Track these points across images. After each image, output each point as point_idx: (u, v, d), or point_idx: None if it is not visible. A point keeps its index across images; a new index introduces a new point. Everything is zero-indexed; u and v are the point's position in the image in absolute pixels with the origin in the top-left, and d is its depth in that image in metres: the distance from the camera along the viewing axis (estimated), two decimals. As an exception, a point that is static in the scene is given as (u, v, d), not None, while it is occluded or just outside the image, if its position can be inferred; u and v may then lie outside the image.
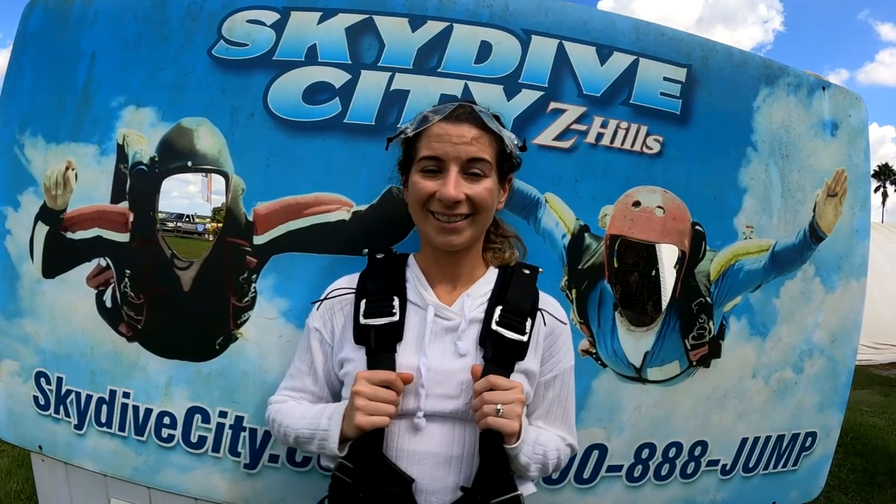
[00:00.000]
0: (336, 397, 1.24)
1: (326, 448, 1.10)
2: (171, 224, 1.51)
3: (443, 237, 1.13)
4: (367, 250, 1.26)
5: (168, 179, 1.48)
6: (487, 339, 1.13)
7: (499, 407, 1.03)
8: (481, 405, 1.05)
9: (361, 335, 1.15)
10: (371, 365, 1.11)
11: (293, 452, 1.47)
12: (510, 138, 1.18)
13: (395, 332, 1.14)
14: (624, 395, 1.55)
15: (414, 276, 1.20)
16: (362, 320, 1.15)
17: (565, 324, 1.24)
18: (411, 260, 1.24)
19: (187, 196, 1.53)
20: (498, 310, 1.16)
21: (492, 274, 1.24)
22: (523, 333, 1.15)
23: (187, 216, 1.57)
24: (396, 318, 1.14)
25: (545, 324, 1.20)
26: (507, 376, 1.11)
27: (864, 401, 5.98)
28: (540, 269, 1.26)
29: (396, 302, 1.16)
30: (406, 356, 1.13)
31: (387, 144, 1.24)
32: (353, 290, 1.21)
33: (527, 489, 1.18)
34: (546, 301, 1.23)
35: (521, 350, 1.14)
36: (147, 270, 1.49)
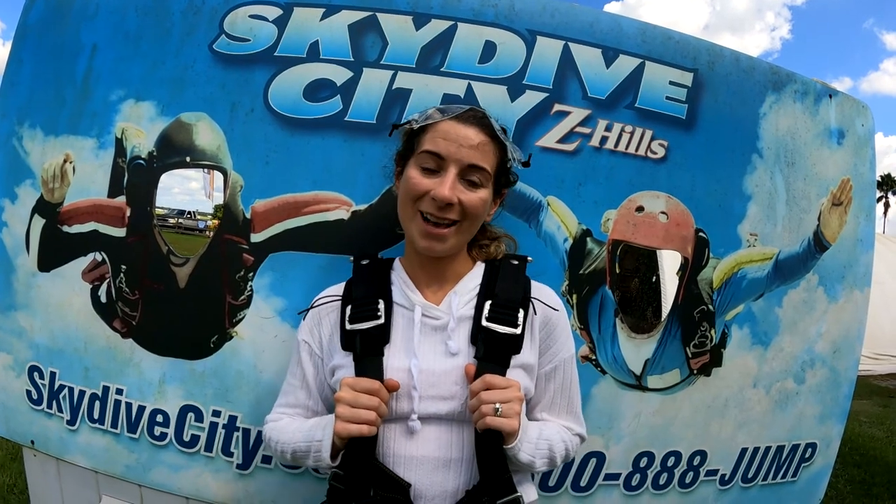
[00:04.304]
0: (331, 409, 1.21)
1: (321, 459, 1.08)
2: (172, 220, 1.49)
3: (426, 242, 1.11)
4: (352, 258, 1.24)
5: (169, 175, 1.47)
6: (478, 336, 1.11)
7: (497, 406, 1.01)
8: (479, 405, 1.03)
9: (348, 341, 1.13)
10: (359, 370, 1.09)
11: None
12: (514, 151, 1.17)
13: (381, 336, 1.12)
14: (623, 402, 1.53)
15: (399, 279, 1.19)
16: (348, 326, 1.14)
17: (559, 310, 1.21)
18: (396, 263, 1.23)
19: (188, 192, 1.51)
20: (487, 305, 1.13)
21: (479, 269, 1.21)
22: (516, 326, 1.12)
23: (188, 212, 1.56)
24: (382, 320, 1.12)
25: (536, 313, 1.17)
26: (503, 373, 1.08)
27: (863, 411, 5.96)
28: (529, 259, 1.23)
29: (381, 305, 1.14)
30: (395, 358, 1.11)
31: (391, 131, 1.22)
32: (339, 298, 1.19)
33: (528, 494, 1.16)
34: (538, 289, 1.21)
35: (515, 343, 1.12)
36: (143, 266, 1.47)
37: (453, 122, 1.10)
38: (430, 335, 1.13)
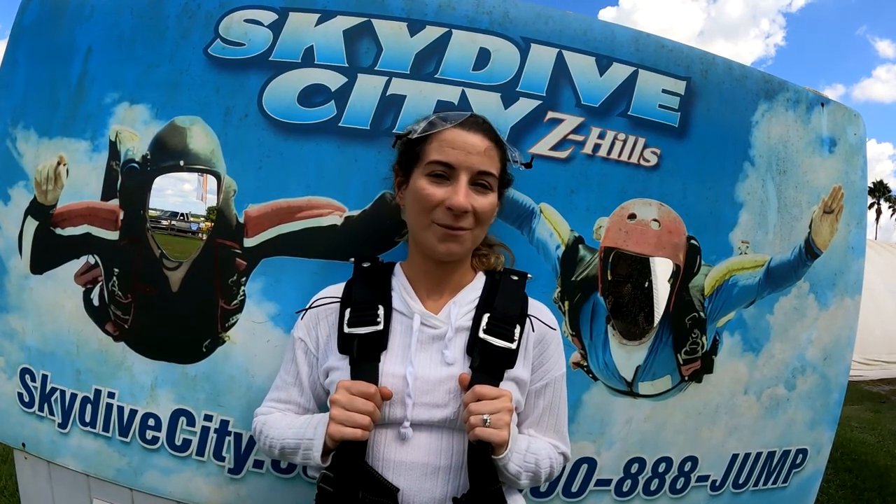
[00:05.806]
0: (323, 408, 1.22)
1: (311, 458, 1.08)
2: (164, 222, 1.49)
3: (445, 245, 1.11)
4: (353, 259, 1.24)
5: (162, 177, 1.47)
6: (475, 347, 1.12)
7: (486, 417, 1.02)
8: (469, 416, 1.03)
9: (345, 344, 1.14)
10: (354, 374, 1.10)
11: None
12: (513, 153, 1.19)
13: (378, 342, 1.12)
14: (614, 408, 1.53)
15: (400, 285, 1.19)
16: (346, 329, 1.14)
17: (555, 329, 1.22)
18: (398, 269, 1.23)
19: (181, 194, 1.51)
20: (485, 317, 1.14)
21: (479, 281, 1.22)
22: (511, 341, 1.13)
23: (181, 214, 1.56)
24: (381, 327, 1.13)
25: (534, 330, 1.18)
26: (496, 385, 1.09)
27: (855, 417, 5.99)
28: (528, 275, 1.25)
29: (381, 311, 1.14)
30: (392, 365, 1.11)
31: (394, 142, 1.23)
32: (338, 299, 1.19)
33: (516, 502, 1.16)
34: (535, 307, 1.22)
35: (509, 358, 1.13)
36: (135, 270, 1.47)
37: (458, 130, 1.11)
38: (428, 344, 1.13)
